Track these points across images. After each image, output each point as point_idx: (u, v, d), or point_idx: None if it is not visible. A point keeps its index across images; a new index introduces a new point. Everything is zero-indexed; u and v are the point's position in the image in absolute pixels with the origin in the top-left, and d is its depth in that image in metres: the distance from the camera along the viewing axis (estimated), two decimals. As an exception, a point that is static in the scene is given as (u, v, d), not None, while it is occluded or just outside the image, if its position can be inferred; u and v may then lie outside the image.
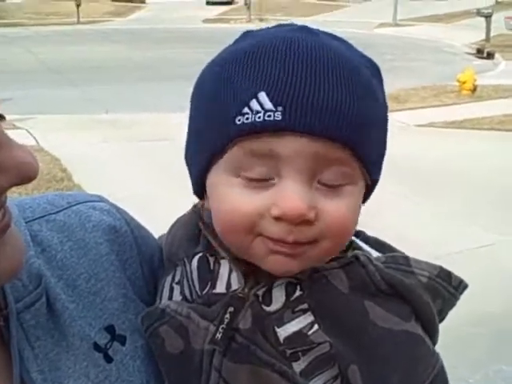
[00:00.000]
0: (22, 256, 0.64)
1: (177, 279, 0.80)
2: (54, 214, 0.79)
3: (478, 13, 22.06)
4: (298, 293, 0.74)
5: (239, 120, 0.68)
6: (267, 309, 0.74)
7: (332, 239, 0.72)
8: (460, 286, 0.82)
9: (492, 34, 21.32)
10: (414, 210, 6.14)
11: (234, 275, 0.76)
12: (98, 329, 0.75)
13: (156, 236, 0.90)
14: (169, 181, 6.76)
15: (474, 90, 12.11)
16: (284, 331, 0.73)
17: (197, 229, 0.81)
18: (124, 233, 0.82)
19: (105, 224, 0.81)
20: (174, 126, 9.24)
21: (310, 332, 0.73)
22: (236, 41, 0.77)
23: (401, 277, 0.77)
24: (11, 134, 0.58)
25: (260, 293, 0.75)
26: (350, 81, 0.70)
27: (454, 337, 3.72)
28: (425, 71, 16.11)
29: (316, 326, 0.73)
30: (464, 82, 12.01)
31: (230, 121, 0.69)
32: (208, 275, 0.77)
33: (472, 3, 28.60)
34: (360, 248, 0.80)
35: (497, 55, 18.91)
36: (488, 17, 21.18)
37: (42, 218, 0.78)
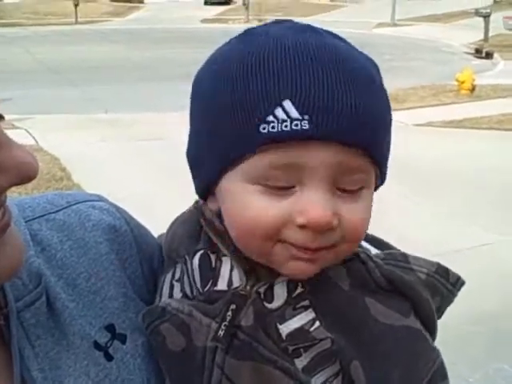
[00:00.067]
0: (21, 255, 0.64)
1: (177, 276, 0.80)
2: (53, 213, 0.79)
3: (477, 13, 22.07)
4: (299, 290, 0.75)
5: (264, 128, 0.67)
6: (269, 306, 0.74)
7: (350, 242, 0.73)
8: (458, 283, 0.83)
9: (490, 34, 21.34)
10: (413, 210, 6.14)
11: (236, 272, 0.76)
12: (99, 328, 0.75)
13: (155, 235, 0.90)
14: (167, 180, 6.76)
15: (473, 89, 12.12)
16: (286, 328, 0.74)
17: (198, 226, 0.81)
18: (124, 232, 0.82)
19: (104, 223, 0.81)
20: (172, 125, 9.24)
21: (311, 328, 0.74)
22: (241, 40, 0.75)
23: (400, 273, 0.78)
24: (10, 133, 0.59)
25: (262, 290, 0.75)
26: (369, 86, 0.71)
27: (454, 335, 3.72)
28: (423, 71, 16.12)
29: (317, 323, 0.74)
30: (463, 82, 12.02)
31: (253, 128, 0.68)
32: (209, 272, 0.77)
33: (470, 3, 28.62)
34: (359, 245, 0.80)
35: (495, 55, 18.92)
36: (486, 17, 21.19)
37: (41, 217, 0.78)
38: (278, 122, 0.67)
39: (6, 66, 16.13)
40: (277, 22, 0.77)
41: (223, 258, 0.78)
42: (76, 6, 31.08)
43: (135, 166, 7.54)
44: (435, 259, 0.85)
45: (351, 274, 0.76)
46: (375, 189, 0.77)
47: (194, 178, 0.79)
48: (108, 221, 0.82)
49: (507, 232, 5.63)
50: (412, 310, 0.78)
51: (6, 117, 0.65)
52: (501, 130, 9.47)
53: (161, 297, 0.81)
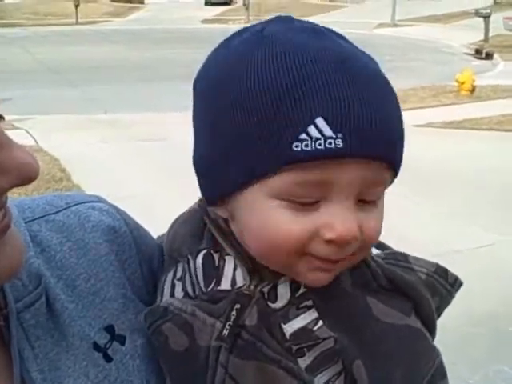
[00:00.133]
0: (21, 256, 0.64)
1: (178, 276, 0.80)
2: (53, 214, 0.79)
3: (477, 13, 22.07)
4: (302, 289, 0.75)
5: (297, 146, 0.66)
6: (272, 305, 0.75)
7: (366, 250, 0.75)
8: (456, 283, 0.84)
9: (490, 35, 21.34)
10: (413, 210, 6.15)
11: (239, 272, 0.76)
12: (98, 329, 0.75)
13: (156, 235, 0.90)
14: (167, 180, 6.77)
15: (473, 90, 12.12)
16: (290, 327, 0.74)
17: (201, 224, 0.81)
18: (123, 233, 0.82)
19: (104, 224, 0.81)
20: (172, 125, 9.25)
21: (315, 328, 0.74)
22: (256, 45, 0.71)
23: (401, 273, 0.79)
24: (10, 134, 0.58)
25: (265, 290, 0.75)
26: (393, 97, 0.72)
27: (454, 336, 3.72)
28: (423, 71, 16.13)
29: (320, 322, 0.74)
30: (463, 83, 12.02)
31: (285, 146, 0.66)
32: (213, 272, 0.77)
33: (470, 4, 28.63)
34: None
35: (495, 55, 18.93)
36: (486, 17, 21.20)
37: (41, 218, 0.78)
38: (312, 141, 0.66)
39: (5, 66, 16.14)
40: (279, 19, 0.76)
41: (226, 257, 0.78)
42: (76, 6, 31.09)
43: (135, 166, 7.54)
44: (435, 259, 0.85)
45: (353, 274, 0.77)
46: None
47: (205, 185, 0.77)
48: (107, 222, 0.81)
49: (507, 232, 5.64)
50: (413, 309, 0.79)
51: (6, 117, 0.65)
52: (501, 130, 9.47)
53: (162, 296, 0.80)
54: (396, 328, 0.76)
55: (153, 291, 0.83)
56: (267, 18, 0.77)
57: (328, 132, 0.66)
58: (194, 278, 0.78)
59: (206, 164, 0.75)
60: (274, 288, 0.75)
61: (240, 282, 0.76)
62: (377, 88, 0.70)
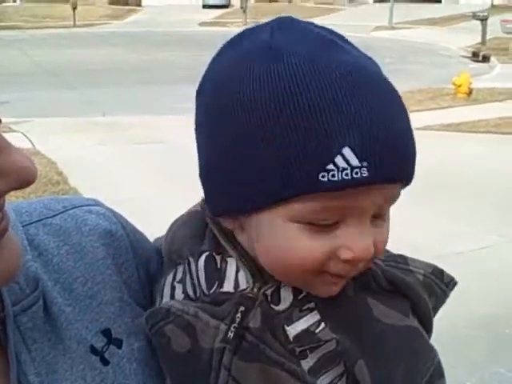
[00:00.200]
0: (19, 259, 0.64)
1: (178, 278, 0.80)
2: (50, 217, 0.79)
3: (474, 16, 22.11)
4: (304, 292, 0.76)
5: (323, 176, 0.66)
6: (276, 308, 0.75)
7: (373, 260, 0.75)
8: (451, 283, 0.85)
9: (488, 38, 21.37)
10: (412, 212, 6.15)
11: (242, 274, 0.77)
12: (95, 332, 0.76)
13: (152, 239, 0.90)
14: (166, 183, 6.77)
15: (470, 93, 12.14)
16: (293, 329, 0.74)
17: (202, 225, 0.81)
18: (120, 236, 0.82)
19: (101, 228, 0.81)
20: (170, 128, 9.25)
21: (317, 330, 0.74)
22: (271, 62, 0.69)
23: (401, 275, 0.80)
24: (7, 137, 0.59)
25: (268, 292, 0.75)
26: (406, 114, 0.73)
27: (452, 338, 3.73)
28: (421, 74, 16.16)
29: (323, 324, 0.75)
30: (460, 85, 12.04)
31: (311, 175, 0.66)
32: (215, 274, 0.77)
33: (468, 7, 28.68)
34: None
35: (492, 58, 18.96)
36: (484, 20, 21.23)
37: (38, 221, 0.78)
38: (339, 171, 0.66)
39: (3, 69, 16.13)
40: (280, 20, 0.75)
41: (228, 259, 0.78)
42: (74, 9, 31.09)
43: (133, 169, 7.54)
44: (434, 261, 0.86)
45: (354, 276, 0.77)
46: None
47: (212, 199, 0.76)
48: (104, 225, 0.82)
49: (506, 234, 5.65)
50: (411, 309, 0.80)
51: (4, 120, 0.65)
52: (498, 133, 9.48)
53: (162, 298, 0.80)
54: (396, 329, 0.77)
55: (149, 295, 0.83)
56: (265, 21, 0.76)
57: (354, 162, 0.66)
58: (196, 280, 0.78)
59: (217, 180, 0.74)
60: (277, 290, 0.76)
61: (243, 284, 0.76)
62: (395, 109, 0.71)
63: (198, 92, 0.77)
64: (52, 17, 34.84)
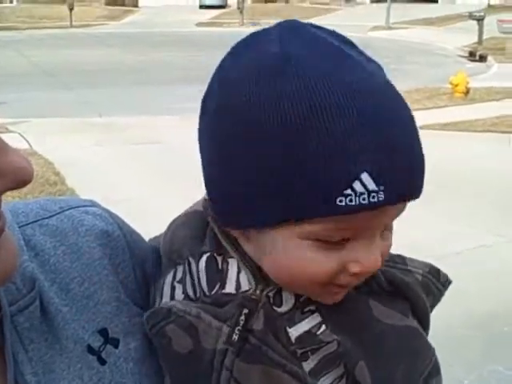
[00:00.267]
0: (15, 260, 0.64)
1: (178, 278, 0.80)
2: (46, 218, 0.79)
3: (471, 16, 22.13)
4: None
5: (341, 201, 0.66)
6: (278, 310, 0.75)
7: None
8: (446, 283, 0.86)
9: (484, 37, 21.40)
10: (412, 212, 6.15)
11: (243, 275, 0.77)
12: (92, 332, 0.76)
13: (148, 239, 0.90)
14: (162, 183, 6.77)
15: (467, 92, 12.16)
16: (295, 331, 0.75)
17: (203, 225, 0.81)
18: (116, 237, 0.83)
19: (97, 228, 0.81)
20: (167, 128, 9.25)
21: (318, 331, 0.75)
22: (284, 79, 0.67)
23: (401, 275, 0.81)
24: (4, 137, 0.59)
25: (271, 294, 0.76)
26: (417, 131, 0.73)
27: (451, 337, 3.74)
28: (418, 74, 16.17)
29: (324, 326, 0.75)
30: (457, 85, 12.06)
31: (327, 199, 0.66)
32: (216, 275, 0.77)
33: (464, 7, 28.72)
34: None
35: (489, 58, 18.99)
36: (480, 20, 21.26)
37: (35, 222, 0.78)
38: (356, 195, 0.66)
39: (0, 70, 16.11)
40: (286, 25, 0.74)
41: (229, 260, 0.78)
42: (71, 9, 31.06)
43: (130, 169, 7.54)
44: (433, 261, 0.87)
45: None
46: None
47: (219, 210, 0.76)
48: (101, 226, 0.82)
49: (505, 233, 5.65)
50: (410, 309, 0.81)
51: (1, 120, 0.65)
52: (495, 132, 9.50)
53: (161, 298, 0.80)
54: (396, 329, 0.78)
55: (146, 295, 0.83)
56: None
57: (372, 186, 0.66)
58: (196, 281, 0.78)
59: (225, 194, 0.73)
60: (279, 292, 0.76)
61: (245, 285, 0.76)
62: (409, 129, 0.71)
63: (204, 115, 0.75)
64: (49, 17, 34.79)
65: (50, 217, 0.80)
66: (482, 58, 19.18)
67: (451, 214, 6.17)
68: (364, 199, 0.66)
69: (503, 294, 4.58)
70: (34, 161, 7.10)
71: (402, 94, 0.73)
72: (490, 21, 21.79)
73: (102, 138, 9.10)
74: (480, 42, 21.26)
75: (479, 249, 5.44)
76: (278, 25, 0.74)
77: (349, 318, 0.76)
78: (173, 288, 0.80)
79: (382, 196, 0.66)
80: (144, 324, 0.79)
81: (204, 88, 0.76)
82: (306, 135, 0.66)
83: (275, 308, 0.75)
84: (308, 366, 0.74)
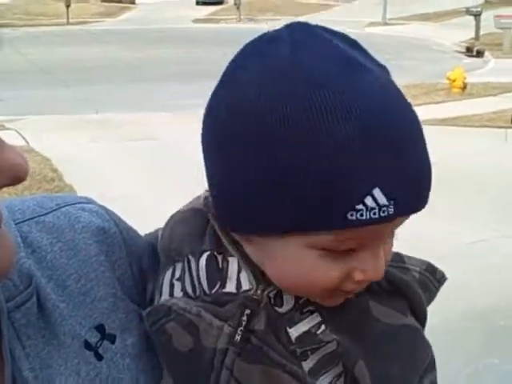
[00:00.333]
0: (12, 256, 0.64)
1: (177, 275, 0.80)
2: (43, 215, 0.79)
3: (468, 11, 22.16)
4: None
5: (352, 215, 0.66)
6: (279, 310, 0.76)
7: None
8: (442, 279, 0.87)
9: (481, 33, 21.42)
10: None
11: (244, 274, 0.77)
12: (89, 328, 0.76)
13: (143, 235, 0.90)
14: (158, 180, 6.76)
15: (464, 87, 12.17)
16: (295, 331, 0.75)
17: (203, 222, 0.80)
18: (113, 234, 0.83)
19: (94, 225, 0.81)
20: (163, 125, 9.25)
21: (318, 331, 0.75)
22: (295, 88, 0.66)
23: (400, 274, 0.81)
24: (1, 134, 0.59)
25: (272, 294, 0.76)
26: (424, 140, 0.73)
27: (449, 330, 3.75)
28: (415, 69, 16.18)
29: (323, 326, 0.75)
30: (454, 80, 12.07)
31: (338, 214, 0.66)
32: (216, 273, 0.77)
33: (461, 2, 28.71)
34: None
35: (486, 53, 19.01)
36: (477, 15, 21.29)
37: (31, 219, 0.78)
38: (367, 210, 0.66)
39: (-3, 67, 16.09)
40: (293, 28, 0.72)
41: (229, 259, 0.78)
42: (67, 6, 31.00)
43: (126, 166, 7.54)
44: (431, 257, 0.88)
45: None
46: None
47: (223, 214, 0.75)
48: (97, 223, 0.82)
49: (503, 229, 5.67)
50: (408, 308, 0.81)
51: (-3, 118, 0.65)
52: (492, 127, 9.52)
53: (161, 296, 0.80)
54: (395, 328, 0.78)
55: (143, 291, 0.83)
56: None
57: (383, 201, 0.66)
58: (196, 279, 0.78)
59: (232, 200, 0.72)
60: (280, 292, 0.76)
61: (245, 284, 0.76)
62: (420, 143, 0.72)
63: (212, 117, 0.73)
64: (45, 14, 34.72)
65: (47, 214, 0.80)
66: (479, 54, 19.20)
67: (450, 208, 6.16)
68: (375, 214, 0.66)
69: (504, 288, 4.60)
70: (31, 158, 7.10)
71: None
72: (487, 16, 21.78)
73: (99, 134, 9.09)
74: (477, 37, 21.27)
75: (474, 243, 5.45)
76: (289, 26, 0.72)
77: (348, 318, 0.77)
78: (172, 286, 0.80)
79: (392, 210, 0.67)
80: (142, 320, 0.79)
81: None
82: (316, 158, 0.65)
83: (276, 308, 0.76)
84: (307, 365, 0.74)
